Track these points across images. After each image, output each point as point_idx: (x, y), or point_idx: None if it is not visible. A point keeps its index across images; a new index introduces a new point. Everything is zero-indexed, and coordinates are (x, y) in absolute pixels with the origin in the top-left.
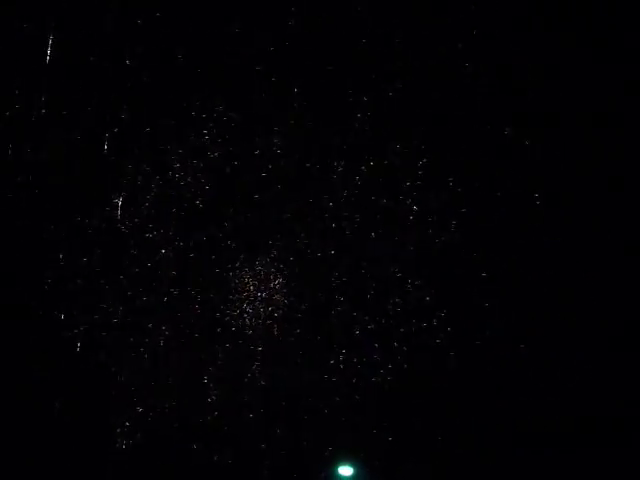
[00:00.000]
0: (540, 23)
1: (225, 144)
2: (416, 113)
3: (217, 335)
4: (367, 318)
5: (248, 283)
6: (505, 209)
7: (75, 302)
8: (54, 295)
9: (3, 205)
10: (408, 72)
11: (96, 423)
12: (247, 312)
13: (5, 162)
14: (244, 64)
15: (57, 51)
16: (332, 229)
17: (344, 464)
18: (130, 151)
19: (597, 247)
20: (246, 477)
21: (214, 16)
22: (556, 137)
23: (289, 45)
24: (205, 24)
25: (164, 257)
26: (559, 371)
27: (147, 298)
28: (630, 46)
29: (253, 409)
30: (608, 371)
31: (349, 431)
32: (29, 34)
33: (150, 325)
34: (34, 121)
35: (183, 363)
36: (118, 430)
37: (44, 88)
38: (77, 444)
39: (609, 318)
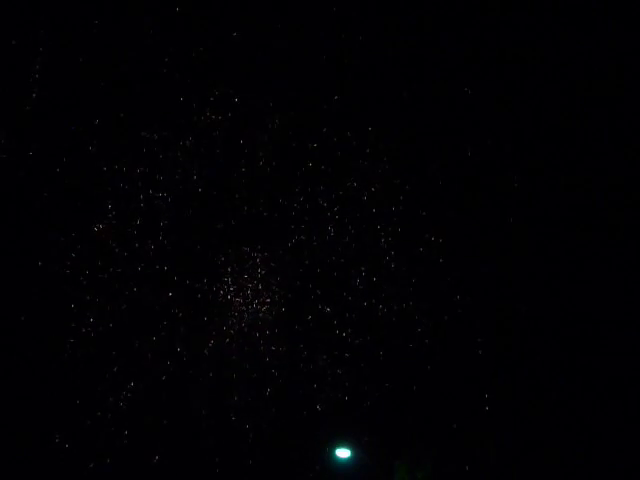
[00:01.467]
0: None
1: (213, 149)
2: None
3: (206, 329)
4: (355, 317)
5: (235, 293)
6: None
7: (68, 303)
8: (53, 294)
9: None
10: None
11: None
12: (235, 319)
13: None
14: (232, 70)
15: (46, 60)
16: (318, 239)
17: (341, 446)
18: (120, 157)
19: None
20: (245, 460)
21: (204, 19)
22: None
23: (281, 50)
24: (193, 29)
25: (153, 263)
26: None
27: (137, 300)
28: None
29: (250, 396)
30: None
31: (346, 414)
32: (20, 36)
33: (140, 327)
34: (26, 127)
35: (176, 361)
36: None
37: (34, 95)
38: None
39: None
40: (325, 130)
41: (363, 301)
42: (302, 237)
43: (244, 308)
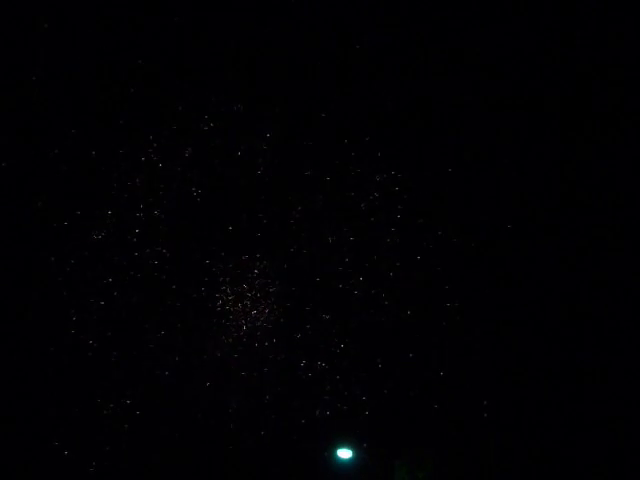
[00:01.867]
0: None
1: (212, 158)
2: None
3: (205, 338)
4: (354, 325)
5: (234, 301)
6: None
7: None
8: (52, 301)
9: None
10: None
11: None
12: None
13: None
14: (231, 78)
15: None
16: (317, 247)
17: (343, 447)
18: (118, 166)
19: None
20: (247, 460)
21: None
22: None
23: (279, 58)
24: (192, 37)
25: (150, 271)
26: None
27: (135, 308)
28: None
29: (249, 403)
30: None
31: (347, 415)
32: (19, 41)
33: (138, 335)
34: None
35: (174, 369)
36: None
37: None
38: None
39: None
40: (324, 138)
41: (362, 309)
42: (301, 245)
43: (243, 317)
